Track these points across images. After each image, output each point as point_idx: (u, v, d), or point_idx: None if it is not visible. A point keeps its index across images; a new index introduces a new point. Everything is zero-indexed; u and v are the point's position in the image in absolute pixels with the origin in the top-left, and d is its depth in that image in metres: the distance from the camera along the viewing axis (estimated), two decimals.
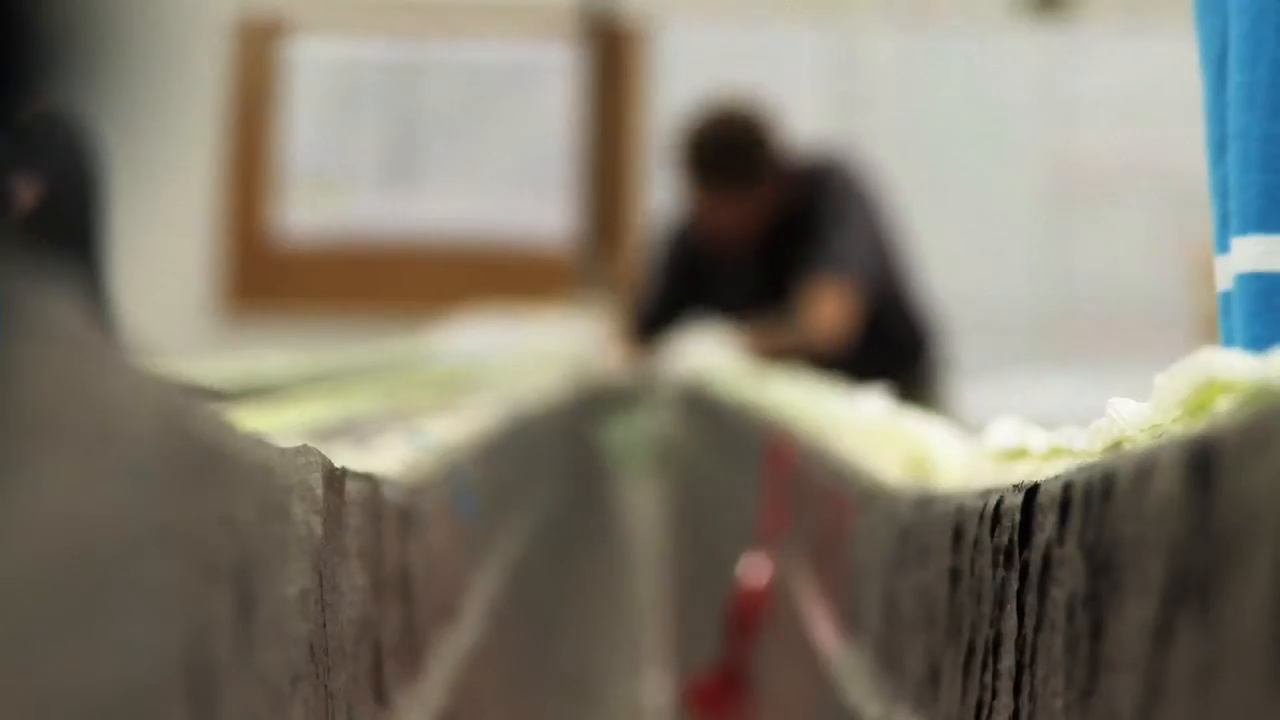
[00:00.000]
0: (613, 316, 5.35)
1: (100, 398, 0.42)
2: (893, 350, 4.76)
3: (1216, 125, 1.22)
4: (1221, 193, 1.21)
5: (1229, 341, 1.19)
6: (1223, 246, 1.22)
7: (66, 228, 4.67)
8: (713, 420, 3.30)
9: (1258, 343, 1.14)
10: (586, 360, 5.27)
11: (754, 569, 1.85)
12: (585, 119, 8.17)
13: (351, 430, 1.34)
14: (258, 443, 0.67)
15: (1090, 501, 0.60)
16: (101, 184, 4.85)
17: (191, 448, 0.52)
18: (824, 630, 1.27)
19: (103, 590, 0.42)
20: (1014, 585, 0.71)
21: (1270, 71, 1.17)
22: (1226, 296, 1.21)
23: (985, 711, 0.75)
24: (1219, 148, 1.22)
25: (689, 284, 4.98)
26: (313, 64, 8.81)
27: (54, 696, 0.40)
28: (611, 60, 6.66)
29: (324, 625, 0.79)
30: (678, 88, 8.57)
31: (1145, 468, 0.54)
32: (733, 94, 4.98)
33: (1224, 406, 0.56)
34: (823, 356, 4.28)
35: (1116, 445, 0.67)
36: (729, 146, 4.69)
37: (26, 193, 4.50)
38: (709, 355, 4.55)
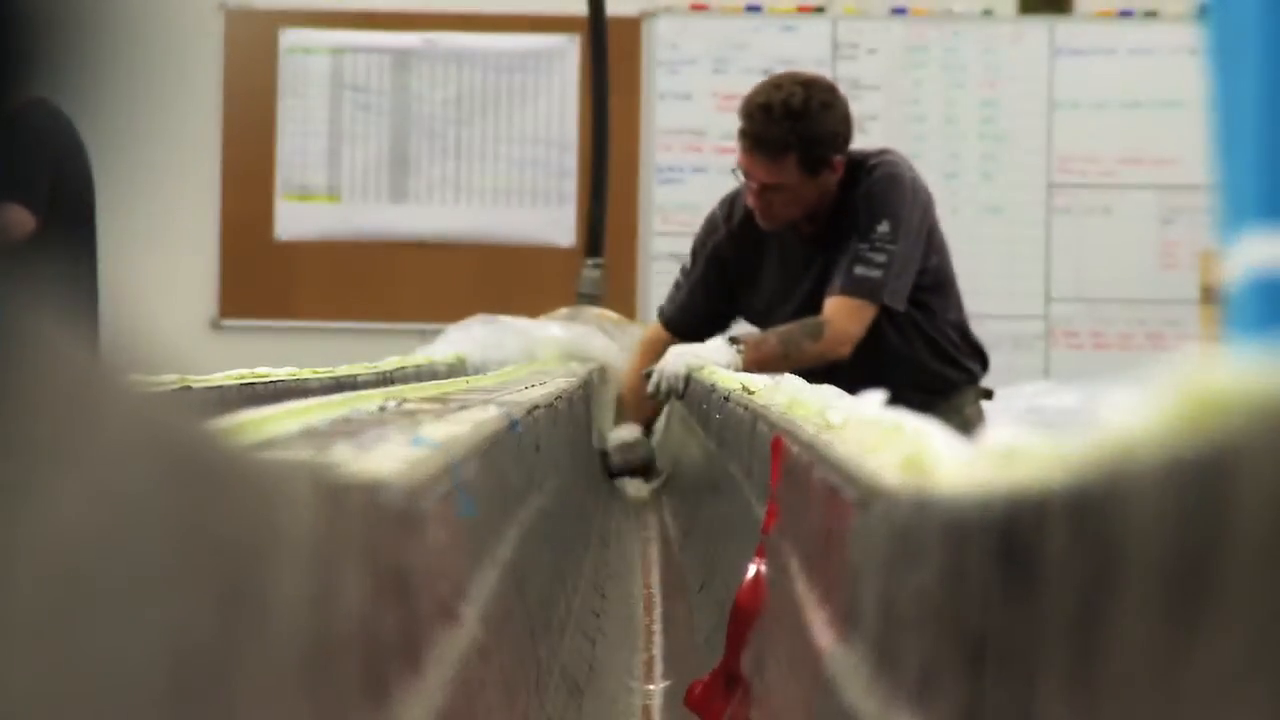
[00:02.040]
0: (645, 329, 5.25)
1: (95, 411, 0.42)
2: (925, 372, 4.65)
3: (1225, 122, 1.22)
4: (1230, 189, 1.21)
5: (1235, 335, 1.19)
6: (1230, 241, 1.22)
7: (61, 218, 4.66)
8: (715, 419, 3.30)
9: (1265, 336, 1.14)
10: (586, 356, 5.26)
11: (754, 569, 1.85)
12: (584, 106, 8.17)
13: (351, 430, 1.34)
14: (256, 444, 0.67)
15: (1089, 504, 0.60)
16: (93, 176, 4.84)
17: (188, 454, 0.52)
18: (822, 630, 1.27)
19: (104, 598, 0.42)
20: (1012, 587, 0.71)
21: (1278, 69, 1.17)
22: (1235, 290, 1.21)
23: (982, 713, 0.75)
24: (1227, 144, 1.21)
25: (727, 278, 4.87)
26: (311, 60, 8.80)
27: (57, 700, 0.40)
28: (609, 46, 6.64)
29: (324, 625, 0.79)
30: (675, 76, 8.57)
31: (1145, 470, 0.54)
32: (803, 71, 4.82)
33: (1226, 409, 0.56)
34: (833, 371, 4.21)
35: (1116, 447, 0.66)
36: (774, 107, 4.54)
37: (24, 221, 4.48)
38: (701, 357, 4.48)
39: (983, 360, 4.85)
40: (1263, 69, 1.17)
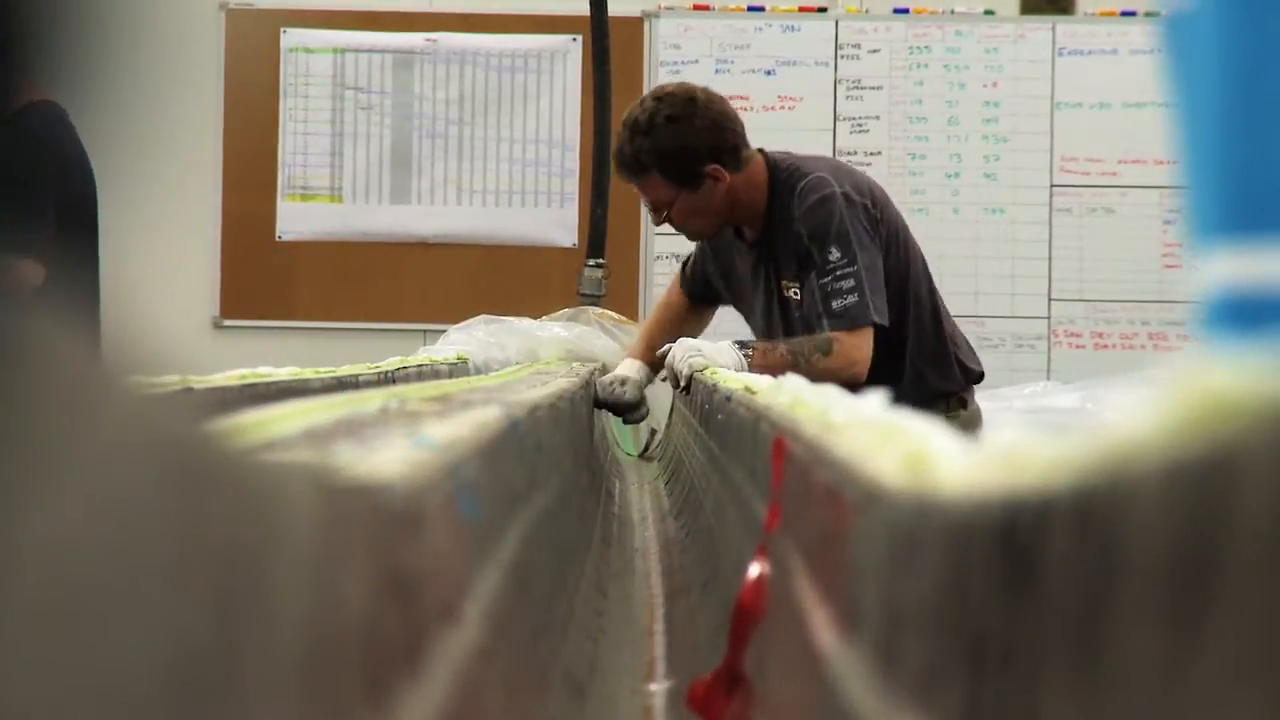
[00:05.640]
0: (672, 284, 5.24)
1: (95, 411, 0.42)
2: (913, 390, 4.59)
3: (1189, 137, 1.21)
4: (1196, 204, 1.21)
5: (1214, 346, 1.19)
6: (1204, 254, 1.21)
7: (63, 220, 4.66)
8: (717, 419, 3.30)
9: (1237, 348, 1.13)
10: (589, 356, 5.26)
11: (756, 569, 1.85)
12: (586, 106, 8.16)
13: (351, 430, 1.34)
14: (257, 445, 0.67)
15: (1091, 505, 0.60)
16: (95, 177, 4.84)
17: (189, 455, 0.52)
18: (824, 631, 1.27)
19: (104, 600, 0.42)
20: (1013, 588, 0.71)
21: (1245, 82, 1.16)
22: (1208, 302, 1.21)
23: (984, 713, 0.75)
24: (1192, 160, 1.21)
25: (716, 273, 4.91)
26: (313, 60, 8.80)
27: (57, 701, 0.40)
28: (611, 46, 6.63)
29: (326, 627, 0.79)
30: (678, 76, 8.57)
31: (1147, 472, 0.54)
32: (684, 84, 4.76)
33: (1228, 410, 0.56)
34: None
35: (1118, 448, 0.66)
36: (627, 125, 4.52)
37: (35, 273, 4.46)
38: (707, 357, 4.46)
39: (945, 371, 4.74)
40: (1225, 83, 1.16)
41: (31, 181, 4.58)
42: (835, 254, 4.48)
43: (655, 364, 4.91)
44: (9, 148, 4.53)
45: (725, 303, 4.96)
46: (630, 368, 4.93)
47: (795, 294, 4.58)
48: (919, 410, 4.05)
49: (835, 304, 4.48)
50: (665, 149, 4.48)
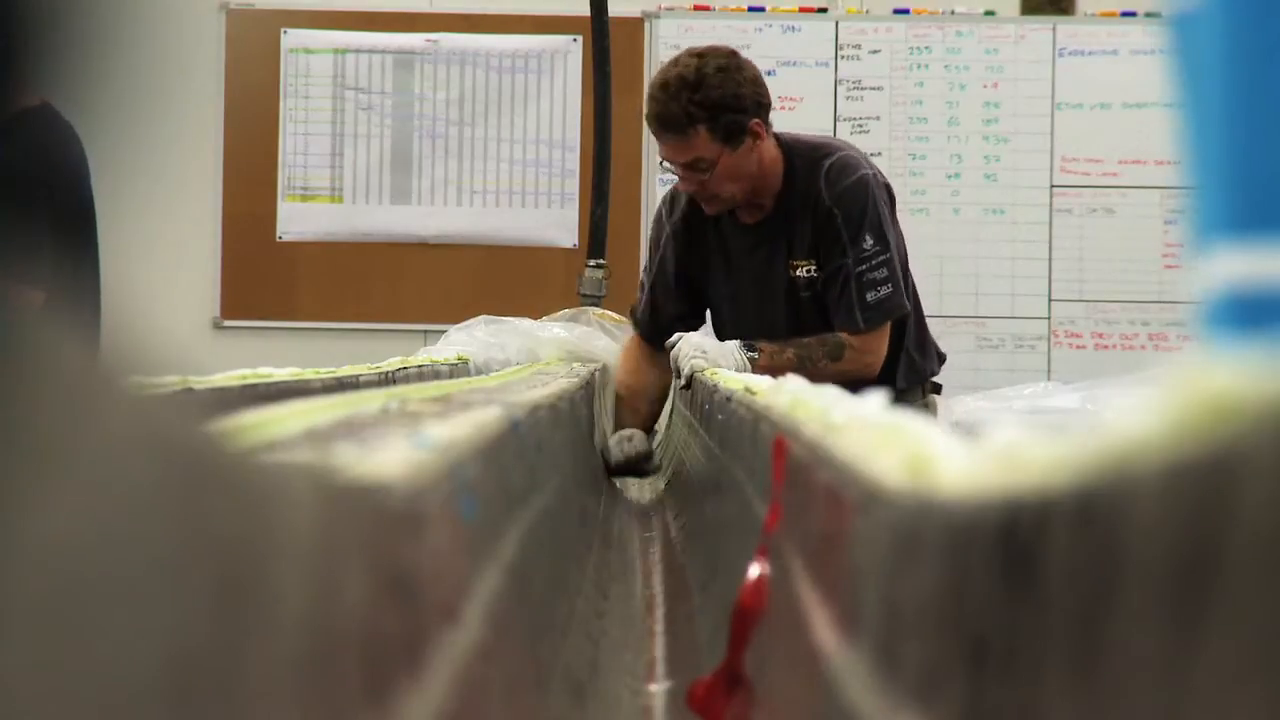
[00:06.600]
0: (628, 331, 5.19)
1: (95, 411, 0.42)
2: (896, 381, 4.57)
3: (1193, 135, 1.21)
4: (1200, 202, 1.21)
5: (1215, 345, 1.19)
6: (1205, 253, 1.21)
7: (62, 222, 4.65)
8: (717, 419, 3.30)
9: (1238, 348, 1.13)
10: (589, 357, 5.25)
11: (756, 569, 1.85)
12: (586, 107, 8.16)
13: (352, 431, 1.34)
14: (258, 446, 0.67)
15: (1092, 506, 0.60)
16: (90, 181, 4.82)
17: (189, 455, 0.52)
18: (824, 631, 1.27)
19: (104, 601, 0.42)
20: (1014, 589, 0.71)
21: (1248, 80, 1.16)
22: (1210, 301, 1.21)
23: (984, 714, 0.75)
24: (1196, 157, 1.21)
25: (683, 275, 4.81)
26: (313, 60, 8.79)
27: (57, 701, 0.40)
28: (612, 46, 6.63)
29: (326, 628, 0.79)
30: None
31: (1148, 472, 0.54)
32: (709, 45, 4.69)
33: (1229, 410, 0.56)
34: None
35: (1119, 448, 0.66)
36: (669, 83, 4.44)
37: (34, 300, 4.45)
38: (710, 357, 4.45)
39: (927, 352, 4.75)
40: (1228, 81, 1.16)
41: (28, 193, 4.55)
42: (869, 241, 4.45)
43: (645, 427, 4.89)
44: (5, 155, 4.52)
45: (691, 325, 4.82)
46: (628, 430, 4.91)
47: (808, 272, 4.54)
48: (911, 391, 4.03)
49: (869, 295, 4.45)
50: (716, 101, 4.41)
